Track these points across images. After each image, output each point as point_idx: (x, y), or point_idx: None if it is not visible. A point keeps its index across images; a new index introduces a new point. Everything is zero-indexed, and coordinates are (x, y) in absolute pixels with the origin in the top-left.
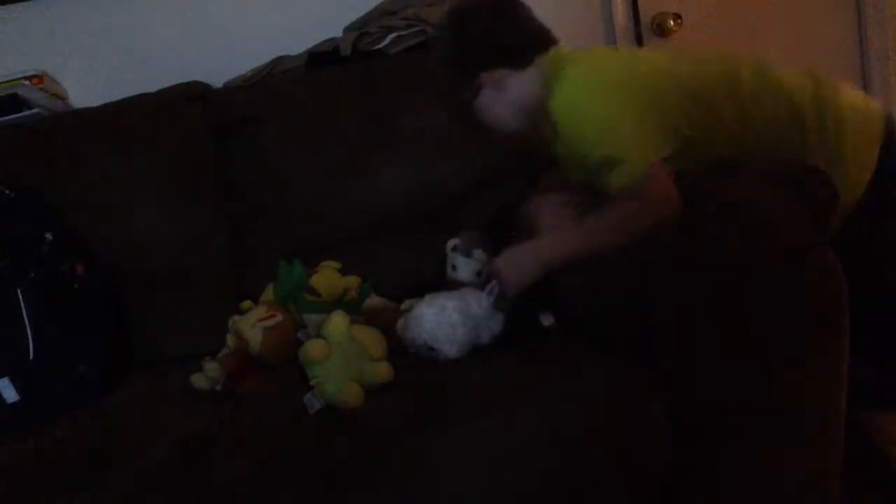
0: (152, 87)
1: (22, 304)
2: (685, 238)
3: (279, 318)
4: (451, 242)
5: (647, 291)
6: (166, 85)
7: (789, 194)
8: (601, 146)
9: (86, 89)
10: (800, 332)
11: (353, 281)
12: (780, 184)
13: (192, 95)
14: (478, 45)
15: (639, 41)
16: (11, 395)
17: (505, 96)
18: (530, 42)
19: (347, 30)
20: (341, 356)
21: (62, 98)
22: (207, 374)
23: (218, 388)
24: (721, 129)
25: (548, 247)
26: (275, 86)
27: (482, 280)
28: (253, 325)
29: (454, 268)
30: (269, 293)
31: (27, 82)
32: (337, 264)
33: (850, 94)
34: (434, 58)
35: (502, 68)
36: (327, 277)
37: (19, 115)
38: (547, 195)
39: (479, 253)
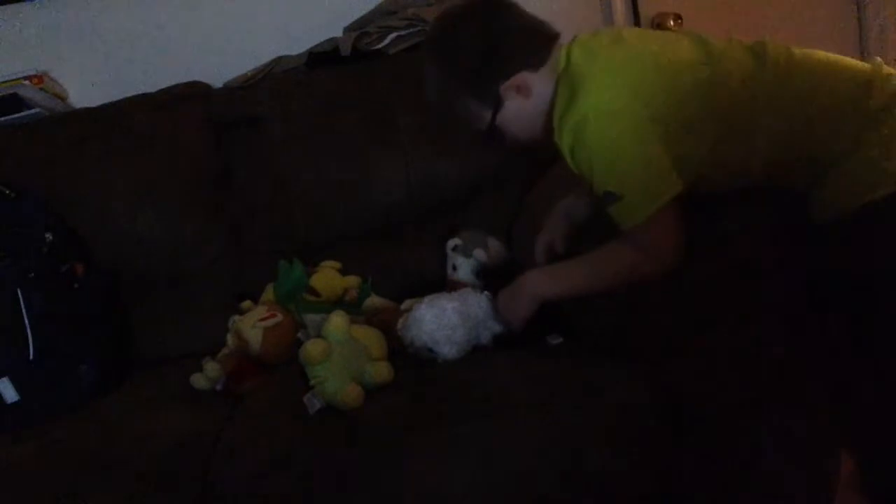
0: (152, 87)
1: (22, 304)
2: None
3: (279, 318)
4: (452, 242)
5: (648, 297)
6: (166, 85)
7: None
8: (609, 182)
9: (86, 89)
10: (797, 334)
11: (353, 281)
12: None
13: (192, 95)
14: (489, 51)
15: None
16: (11, 395)
17: (532, 102)
18: (541, 35)
19: (347, 30)
20: (341, 356)
21: (62, 98)
22: (207, 374)
23: (218, 388)
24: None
25: (542, 282)
26: (275, 86)
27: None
28: (253, 325)
29: (454, 268)
30: (269, 293)
31: (27, 82)
32: (337, 264)
33: None
34: (430, 91)
35: (523, 71)
36: (327, 277)
37: (19, 115)
38: (556, 204)
39: (479, 253)
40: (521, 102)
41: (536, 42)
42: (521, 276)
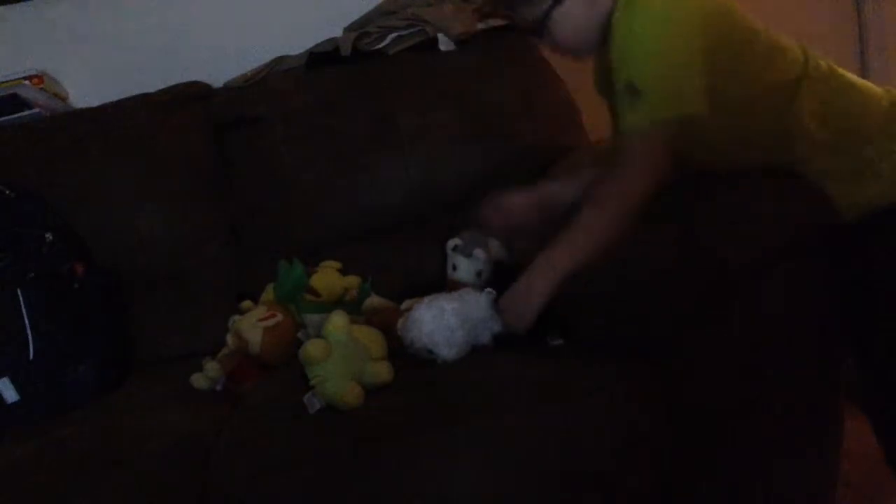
0: (152, 87)
1: (22, 304)
2: (683, 247)
3: (279, 318)
4: (452, 242)
5: (649, 295)
6: (166, 85)
7: (785, 205)
8: (635, 72)
9: (86, 89)
10: (798, 332)
11: (353, 281)
12: (770, 192)
13: (192, 95)
14: None
15: None
16: (11, 395)
17: (592, 9)
18: None
19: (347, 30)
20: (341, 356)
21: (62, 98)
22: (207, 374)
23: (218, 388)
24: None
25: (540, 278)
26: (275, 86)
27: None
28: (253, 325)
29: (454, 268)
30: (269, 293)
31: (27, 82)
32: (337, 264)
33: None
34: None
35: None
36: (327, 277)
37: (19, 115)
38: (511, 197)
39: (479, 252)
40: (581, 6)
41: None
42: (521, 280)
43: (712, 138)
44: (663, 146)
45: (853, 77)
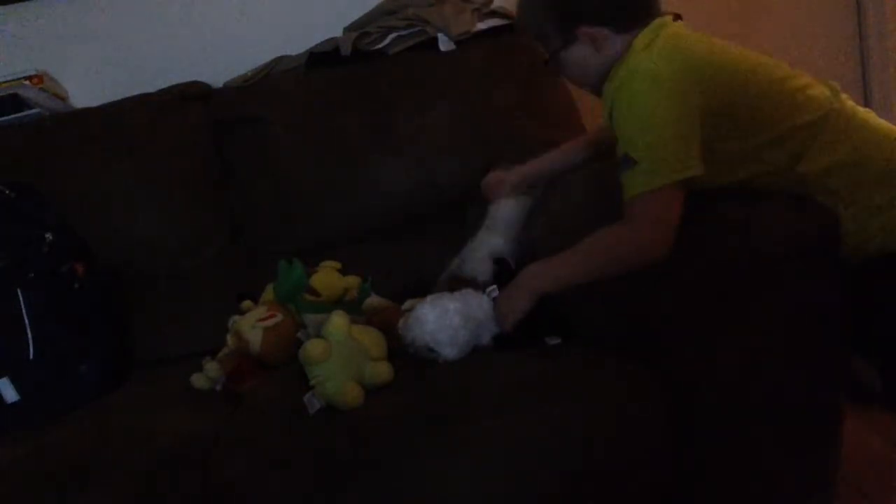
0: (152, 87)
1: (22, 304)
2: (686, 244)
3: (279, 318)
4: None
5: (649, 294)
6: (166, 85)
7: (788, 210)
8: (629, 145)
9: (86, 89)
10: (799, 333)
11: (353, 281)
12: (774, 199)
13: (192, 95)
14: None
15: None
16: (11, 395)
17: (598, 58)
18: (642, 7)
19: (347, 30)
20: (341, 356)
21: (62, 98)
22: (207, 374)
23: (218, 388)
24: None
25: (538, 275)
26: (275, 86)
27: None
28: (253, 325)
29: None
30: (269, 293)
31: (27, 82)
32: (337, 264)
33: None
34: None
35: (605, 28)
36: (327, 277)
37: (19, 115)
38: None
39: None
40: (589, 52)
41: (634, 9)
42: (510, 285)
43: (717, 184)
44: (665, 207)
45: (870, 118)
